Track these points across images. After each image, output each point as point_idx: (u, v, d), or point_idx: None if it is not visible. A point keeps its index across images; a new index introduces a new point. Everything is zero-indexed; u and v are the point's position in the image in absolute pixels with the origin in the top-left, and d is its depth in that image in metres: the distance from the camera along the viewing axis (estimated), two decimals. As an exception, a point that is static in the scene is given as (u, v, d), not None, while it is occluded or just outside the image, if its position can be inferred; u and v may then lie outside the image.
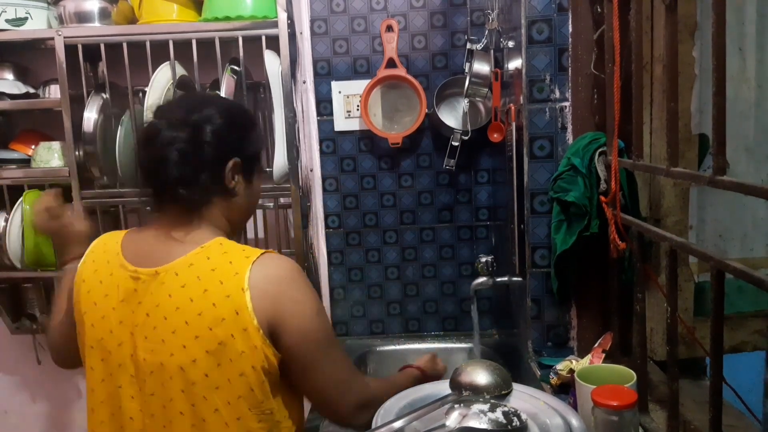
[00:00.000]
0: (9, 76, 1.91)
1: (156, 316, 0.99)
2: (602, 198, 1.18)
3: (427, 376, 1.28)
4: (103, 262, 1.07)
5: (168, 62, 1.75)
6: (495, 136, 1.73)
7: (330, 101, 1.93)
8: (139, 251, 1.05)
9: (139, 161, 1.08)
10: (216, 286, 0.96)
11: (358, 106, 1.91)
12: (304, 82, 1.91)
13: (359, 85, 1.90)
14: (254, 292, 0.96)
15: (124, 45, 1.74)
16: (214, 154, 1.02)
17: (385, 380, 1.24)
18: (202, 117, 1.02)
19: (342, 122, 1.94)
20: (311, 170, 1.94)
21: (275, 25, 1.73)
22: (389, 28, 1.87)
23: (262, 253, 1.01)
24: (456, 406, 0.96)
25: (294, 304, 1.00)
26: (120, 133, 1.80)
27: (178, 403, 0.99)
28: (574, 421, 0.96)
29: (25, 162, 1.91)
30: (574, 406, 1.06)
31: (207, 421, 0.98)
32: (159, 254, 1.02)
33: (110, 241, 1.10)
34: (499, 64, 1.68)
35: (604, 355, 1.16)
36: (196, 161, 1.00)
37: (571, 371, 1.19)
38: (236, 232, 1.14)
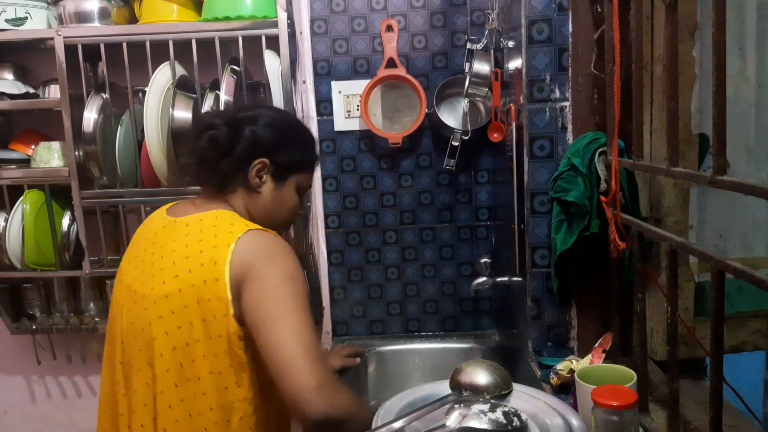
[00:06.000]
0: (9, 76, 1.91)
1: (158, 254, 1.11)
2: (602, 198, 1.18)
3: None
4: (149, 219, 1.23)
5: (168, 62, 1.75)
6: (495, 136, 1.73)
7: (330, 101, 1.93)
8: (177, 208, 1.20)
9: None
10: (210, 238, 1.08)
11: (358, 106, 1.91)
12: (304, 82, 1.90)
13: (359, 85, 1.90)
14: (236, 251, 1.05)
15: (124, 45, 1.74)
16: (244, 149, 1.14)
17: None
18: (247, 117, 1.17)
19: (342, 122, 1.94)
20: (311, 170, 1.93)
21: (275, 25, 1.73)
22: (389, 28, 1.87)
23: (263, 229, 1.11)
24: (456, 406, 0.96)
25: (266, 264, 1.05)
26: (120, 133, 1.80)
27: (146, 334, 1.08)
28: (575, 422, 0.96)
29: (25, 162, 1.91)
30: (575, 407, 1.06)
31: (164, 356, 1.06)
32: (186, 210, 1.17)
33: (165, 206, 1.25)
34: (499, 63, 1.68)
35: (604, 355, 1.16)
36: (224, 150, 1.13)
37: (572, 371, 1.19)
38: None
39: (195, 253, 1.06)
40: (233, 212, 1.15)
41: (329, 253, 1.99)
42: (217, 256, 1.04)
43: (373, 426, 0.98)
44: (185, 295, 1.05)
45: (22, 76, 1.95)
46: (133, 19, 1.85)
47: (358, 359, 1.70)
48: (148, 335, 1.08)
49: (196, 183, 1.20)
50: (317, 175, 1.95)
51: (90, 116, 1.77)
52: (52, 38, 1.76)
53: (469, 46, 1.74)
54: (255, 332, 1.03)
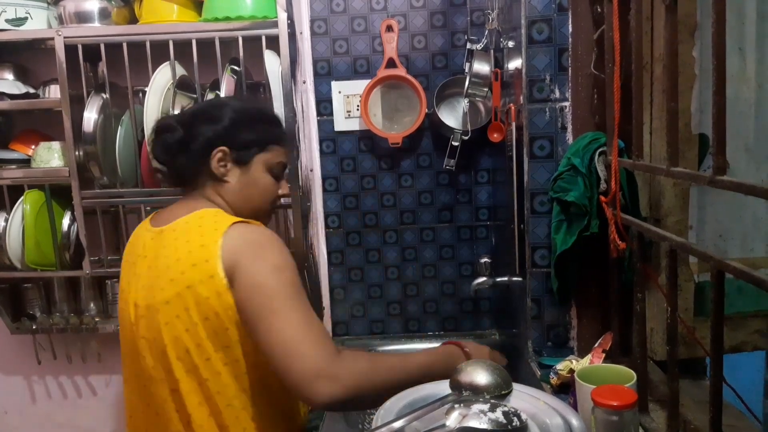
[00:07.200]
0: (9, 76, 1.91)
1: (153, 265, 1.13)
2: (602, 198, 1.18)
3: (467, 354, 1.24)
4: (137, 233, 1.25)
5: (168, 62, 1.75)
6: (495, 136, 1.73)
7: (330, 101, 1.93)
8: (160, 217, 1.22)
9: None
10: (197, 237, 1.09)
11: (358, 106, 1.91)
12: (304, 82, 1.91)
13: (359, 85, 1.90)
14: (224, 245, 1.06)
15: (124, 45, 1.74)
16: (199, 142, 1.17)
17: (392, 356, 1.18)
18: (195, 112, 1.23)
19: (342, 122, 1.94)
20: (311, 170, 1.93)
21: (275, 25, 1.73)
22: (389, 28, 1.87)
23: (248, 221, 1.13)
24: (456, 406, 0.96)
25: (252, 259, 1.06)
26: (120, 133, 1.80)
27: (159, 343, 1.09)
28: (574, 421, 0.96)
29: (25, 162, 1.91)
30: (574, 406, 1.06)
31: (181, 359, 1.08)
32: (169, 217, 1.18)
33: (144, 221, 1.27)
34: (499, 64, 1.68)
35: (604, 355, 1.16)
36: (178, 147, 1.17)
37: (571, 371, 1.19)
38: (258, 220, 1.21)
39: (184, 254, 1.07)
40: (217, 208, 1.16)
41: (329, 253, 2.00)
42: (207, 254, 1.05)
43: (373, 426, 0.98)
44: (184, 298, 1.06)
45: (22, 76, 1.95)
46: (133, 19, 1.85)
47: None
48: (161, 344, 1.09)
49: (169, 184, 1.27)
50: (317, 174, 1.95)
51: (90, 116, 1.77)
52: (52, 38, 1.76)
53: (469, 46, 1.74)
54: (251, 329, 1.05)
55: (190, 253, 1.07)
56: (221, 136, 1.18)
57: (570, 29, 1.31)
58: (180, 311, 1.07)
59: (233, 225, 1.09)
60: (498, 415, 0.92)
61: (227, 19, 1.73)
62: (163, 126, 1.20)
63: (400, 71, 1.87)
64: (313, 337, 1.01)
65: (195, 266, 1.06)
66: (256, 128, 1.23)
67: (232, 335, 1.08)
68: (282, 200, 1.83)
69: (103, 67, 1.87)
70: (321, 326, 1.06)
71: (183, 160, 1.18)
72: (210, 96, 1.75)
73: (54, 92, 1.88)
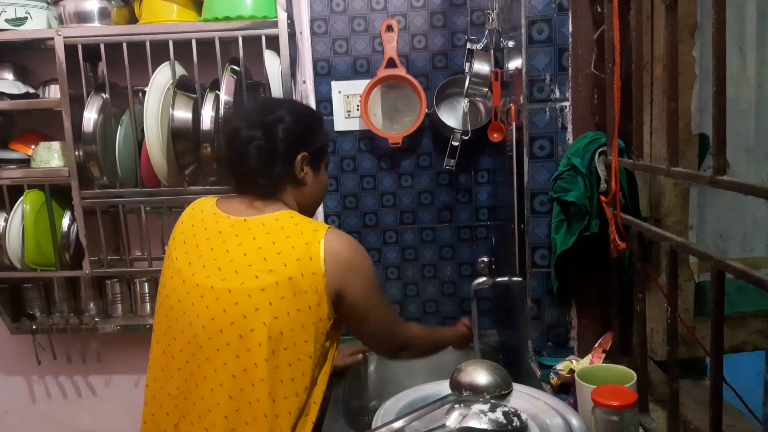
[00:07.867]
0: (9, 76, 1.91)
1: (236, 252, 1.16)
2: (602, 198, 1.18)
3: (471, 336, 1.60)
4: (198, 215, 1.25)
5: (168, 62, 1.75)
6: (495, 136, 1.73)
7: (330, 101, 1.93)
8: (231, 207, 1.24)
9: (223, 155, 1.37)
10: (297, 236, 1.15)
11: (358, 106, 1.91)
12: (304, 82, 1.91)
13: (359, 85, 1.90)
14: (326, 247, 1.14)
15: (124, 45, 1.74)
16: (285, 149, 1.21)
17: (430, 328, 1.55)
18: (275, 118, 1.22)
19: (342, 122, 1.94)
20: (311, 170, 1.93)
21: (275, 25, 1.73)
22: (389, 28, 1.87)
23: (335, 228, 1.22)
24: (456, 406, 0.96)
25: (359, 271, 1.19)
26: (120, 133, 1.80)
27: (238, 327, 1.13)
28: (575, 421, 0.96)
29: (25, 162, 1.91)
30: (575, 406, 1.06)
31: (262, 346, 1.11)
32: (248, 211, 1.21)
33: (205, 201, 1.29)
34: (499, 63, 1.68)
35: (604, 355, 1.16)
36: (271, 155, 1.20)
37: (572, 371, 1.19)
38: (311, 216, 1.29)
39: (286, 249, 1.13)
40: (296, 212, 1.23)
41: (329, 253, 1.99)
42: (311, 252, 1.13)
43: (373, 426, 0.98)
44: (282, 288, 1.12)
45: (22, 76, 1.95)
46: (133, 19, 1.85)
47: (361, 355, 1.72)
48: (241, 327, 1.12)
49: (244, 190, 1.24)
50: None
51: (90, 116, 1.77)
52: (52, 38, 1.76)
53: (469, 46, 1.74)
54: (354, 322, 1.23)
55: (294, 248, 1.13)
56: (302, 142, 1.24)
57: (570, 29, 1.31)
58: (274, 299, 1.12)
59: (329, 230, 1.17)
60: (498, 415, 0.93)
61: (227, 19, 1.74)
62: (250, 136, 1.20)
63: (400, 71, 1.87)
64: (397, 322, 1.34)
65: (299, 261, 1.13)
66: (321, 132, 1.31)
67: (314, 331, 1.14)
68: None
69: (102, 67, 1.87)
70: (394, 311, 1.38)
71: (278, 167, 1.20)
72: (210, 96, 1.75)
73: (54, 92, 1.88)
